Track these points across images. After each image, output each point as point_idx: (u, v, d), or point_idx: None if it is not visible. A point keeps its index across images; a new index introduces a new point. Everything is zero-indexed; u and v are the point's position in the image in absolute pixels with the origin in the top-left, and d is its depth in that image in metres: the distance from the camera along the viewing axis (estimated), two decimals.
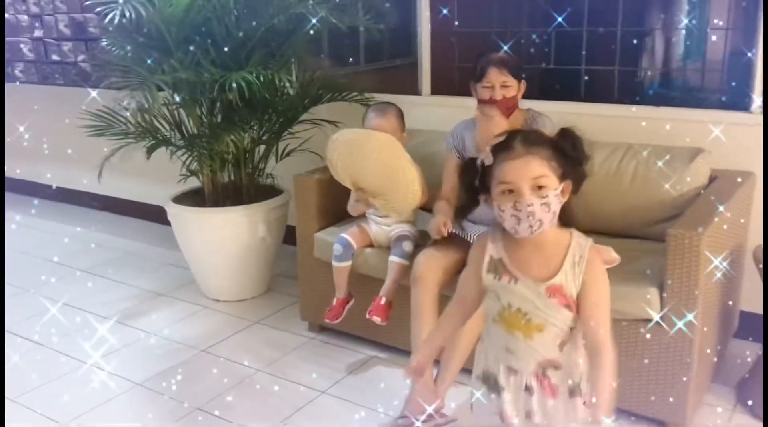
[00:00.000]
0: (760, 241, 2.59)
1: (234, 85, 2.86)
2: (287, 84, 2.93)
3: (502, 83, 2.58)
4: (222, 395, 2.72)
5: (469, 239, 2.64)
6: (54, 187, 5.16)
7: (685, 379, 2.30)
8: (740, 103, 2.90)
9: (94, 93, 2.98)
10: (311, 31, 3.37)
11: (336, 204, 3.07)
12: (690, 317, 2.22)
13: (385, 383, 2.79)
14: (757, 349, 2.65)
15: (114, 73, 3.02)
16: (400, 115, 2.93)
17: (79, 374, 2.89)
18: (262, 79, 2.89)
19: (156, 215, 4.51)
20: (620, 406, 2.43)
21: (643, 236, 2.74)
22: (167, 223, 3.64)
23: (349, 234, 2.88)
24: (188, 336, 3.22)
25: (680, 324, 2.23)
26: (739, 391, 2.59)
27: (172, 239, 3.65)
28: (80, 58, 4.81)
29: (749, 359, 2.73)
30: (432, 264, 2.57)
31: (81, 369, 2.92)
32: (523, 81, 2.65)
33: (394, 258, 2.75)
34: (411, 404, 2.42)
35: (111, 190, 4.89)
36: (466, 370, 2.51)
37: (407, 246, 2.78)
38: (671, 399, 2.33)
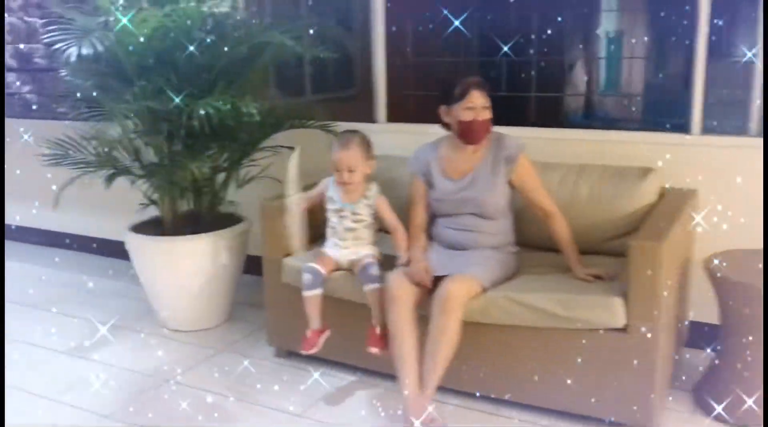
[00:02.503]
0: (707, 254, 2.77)
1: (202, 112, 2.88)
2: (253, 111, 2.96)
3: (482, 105, 2.68)
4: (197, 425, 2.69)
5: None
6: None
7: (649, 384, 2.43)
8: (682, 126, 3.11)
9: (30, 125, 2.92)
10: (269, 61, 3.44)
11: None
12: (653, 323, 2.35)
13: (362, 404, 2.81)
14: (708, 356, 2.81)
15: (78, 105, 2.98)
16: (364, 142, 2.89)
17: (41, 411, 2.80)
18: (229, 106, 2.92)
19: (108, 249, 4.43)
20: (591, 413, 2.56)
21: (600, 252, 2.88)
22: (120, 257, 3.56)
23: (317, 262, 2.88)
24: (152, 367, 3.16)
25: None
26: (696, 395, 2.74)
27: (125, 271, 3.58)
28: (26, 88, 4.72)
29: (701, 368, 2.88)
30: (405, 283, 2.62)
31: (42, 406, 2.83)
32: None
33: (368, 286, 2.77)
34: (406, 419, 2.48)
35: (58, 225, 4.78)
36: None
37: (374, 270, 2.80)
38: (636, 406, 2.46)
